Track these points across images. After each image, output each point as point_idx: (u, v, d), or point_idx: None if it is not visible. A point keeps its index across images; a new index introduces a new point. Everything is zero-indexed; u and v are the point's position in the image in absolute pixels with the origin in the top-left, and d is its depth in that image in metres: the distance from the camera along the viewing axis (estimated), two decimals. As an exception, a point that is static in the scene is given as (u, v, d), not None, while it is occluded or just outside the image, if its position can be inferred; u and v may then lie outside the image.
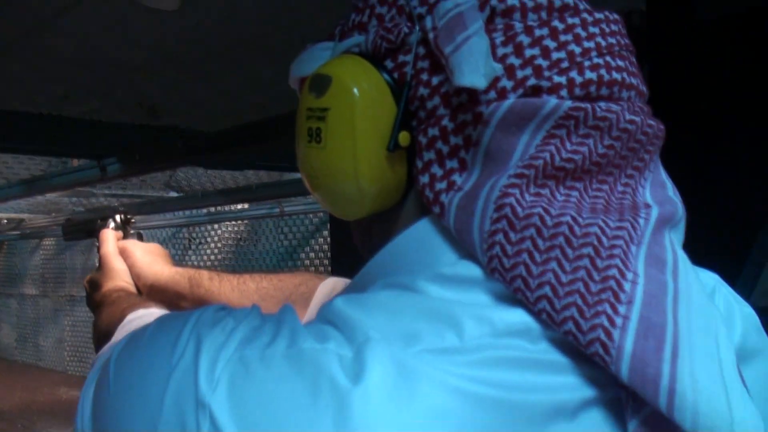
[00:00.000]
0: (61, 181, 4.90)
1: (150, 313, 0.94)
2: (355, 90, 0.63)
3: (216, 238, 8.71)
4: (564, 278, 0.57)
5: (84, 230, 1.38)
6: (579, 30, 0.62)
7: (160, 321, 0.61)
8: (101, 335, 1.01)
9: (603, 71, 0.62)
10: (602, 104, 0.61)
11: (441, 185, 0.63)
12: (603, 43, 0.63)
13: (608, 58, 0.62)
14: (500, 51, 0.61)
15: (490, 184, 0.60)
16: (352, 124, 0.63)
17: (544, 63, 0.61)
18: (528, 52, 0.61)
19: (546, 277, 0.57)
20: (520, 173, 0.59)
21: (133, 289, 1.21)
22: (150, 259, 1.24)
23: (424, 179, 0.63)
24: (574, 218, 0.59)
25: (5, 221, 8.80)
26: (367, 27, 0.67)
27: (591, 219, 0.59)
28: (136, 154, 4.00)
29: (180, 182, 6.20)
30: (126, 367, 0.59)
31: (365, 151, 0.63)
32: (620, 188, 0.63)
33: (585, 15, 0.63)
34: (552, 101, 0.60)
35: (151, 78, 2.95)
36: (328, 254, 7.36)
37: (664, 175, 0.68)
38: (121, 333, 0.89)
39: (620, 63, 0.63)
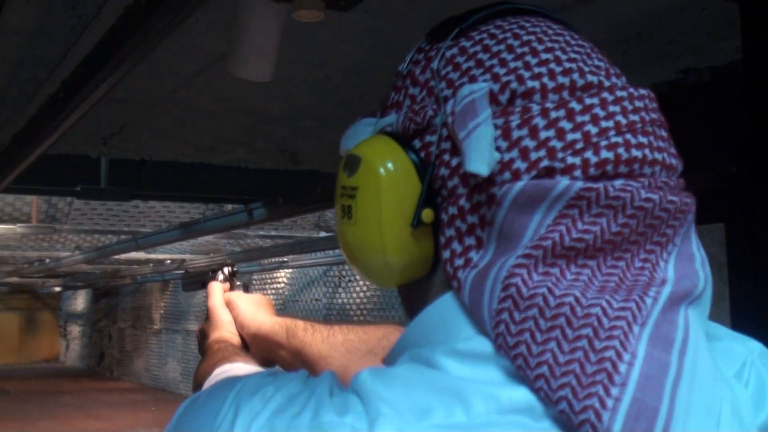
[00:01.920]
0: (213, 225, 5.21)
1: (233, 368, 1.00)
2: (381, 171, 0.66)
3: (365, 276, 8.85)
4: (561, 358, 0.57)
5: (198, 282, 1.45)
6: (597, 110, 0.62)
7: (212, 387, 0.66)
8: (196, 385, 1.08)
9: (621, 150, 0.61)
10: (618, 183, 0.61)
11: (459, 261, 0.64)
12: (623, 122, 0.62)
13: (628, 136, 0.62)
14: (515, 134, 0.61)
15: (500, 263, 0.61)
16: (378, 203, 0.66)
17: (558, 144, 0.61)
18: (543, 134, 0.61)
19: (544, 357, 0.58)
20: (528, 254, 0.60)
21: (235, 339, 1.27)
22: (254, 309, 1.29)
23: (446, 254, 0.65)
24: (577, 298, 0.59)
25: (168, 261, 9.31)
26: (402, 106, 0.69)
27: (595, 299, 0.59)
28: (279, 198, 4.19)
29: (328, 222, 6.38)
30: (182, 428, 0.65)
31: (391, 228, 0.66)
32: (639, 264, 0.62)
33: (605, 94, 0.63)
34: (563, 182, 0.60)
35: (290, 126, 3.09)
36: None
37: (695, 246, 0.66)
38: (207, 386, 0.95)
39: (642, 140, 0.63)
